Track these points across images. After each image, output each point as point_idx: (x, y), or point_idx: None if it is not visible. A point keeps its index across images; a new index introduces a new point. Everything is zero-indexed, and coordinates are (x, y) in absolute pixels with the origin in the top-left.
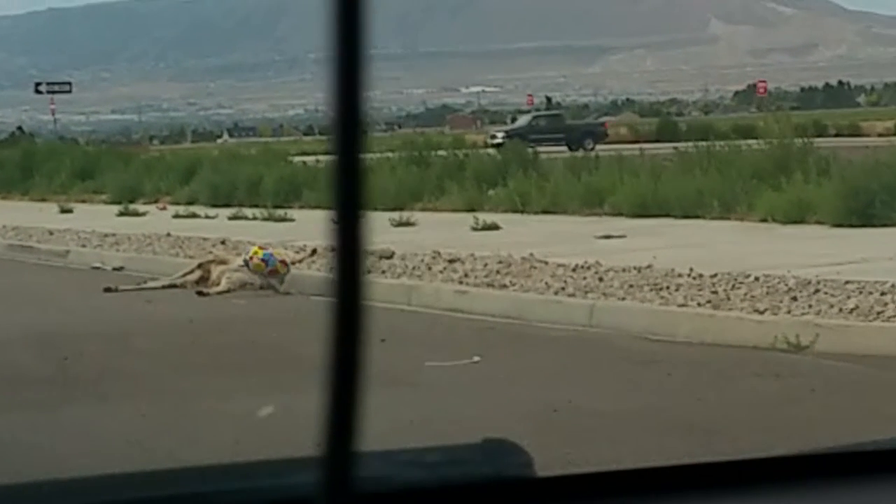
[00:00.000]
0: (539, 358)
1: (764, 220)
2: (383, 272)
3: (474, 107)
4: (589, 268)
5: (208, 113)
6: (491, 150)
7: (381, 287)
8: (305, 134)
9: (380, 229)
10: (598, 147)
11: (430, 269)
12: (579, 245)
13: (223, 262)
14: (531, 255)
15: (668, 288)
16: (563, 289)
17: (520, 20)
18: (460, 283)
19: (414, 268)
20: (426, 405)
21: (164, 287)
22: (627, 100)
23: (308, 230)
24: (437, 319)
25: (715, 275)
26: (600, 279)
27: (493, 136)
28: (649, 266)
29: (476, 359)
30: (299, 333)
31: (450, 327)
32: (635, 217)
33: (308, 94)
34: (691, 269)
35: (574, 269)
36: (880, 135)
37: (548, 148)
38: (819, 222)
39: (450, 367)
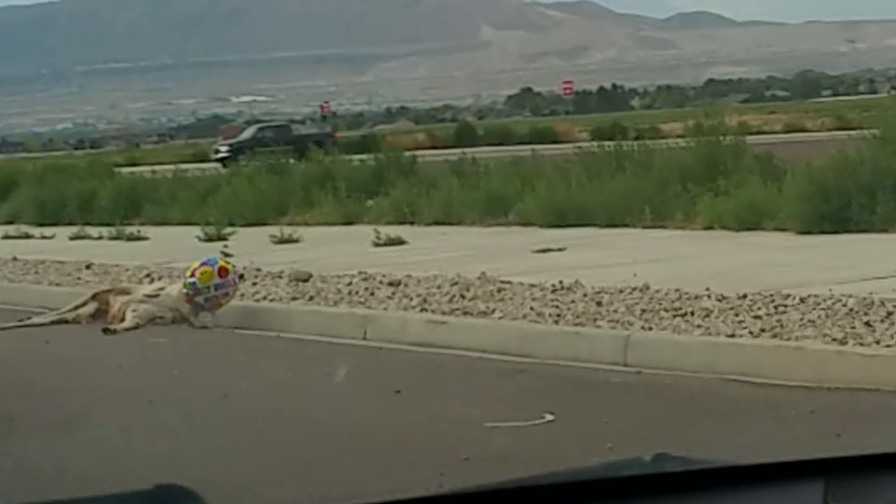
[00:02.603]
0: (625, 413)
1: (709, 228)
2: (311, 298)
3: (246, 116)
4: (569, 289)
5: None
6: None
7: (321, 317)
8: (76, 148)
9: (260, 248)
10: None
11: (372, 294)
12: (521, 261)
13: (124, 291)
14: (483, 274)
15: (692, 313)
16: (560, 315)
17: (291, 29)
18: (423, 310)
19: (350, 293)
20: None
21: (52, 322)
22: (402, 107)
23: (172, 250)
24: (425, 359)
25: (744, 296)
26: (598, 303)
27: (217, 151)
28: (647, 286)
29: (549, 417)
30: (275, 377)
31: (464, 369)
32: (550, 227)
33: (77, 108)
34: (708, 289)
35: (554, 291)
36: (679, 136)
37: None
38: (780, 229)
39: (523, 431)
